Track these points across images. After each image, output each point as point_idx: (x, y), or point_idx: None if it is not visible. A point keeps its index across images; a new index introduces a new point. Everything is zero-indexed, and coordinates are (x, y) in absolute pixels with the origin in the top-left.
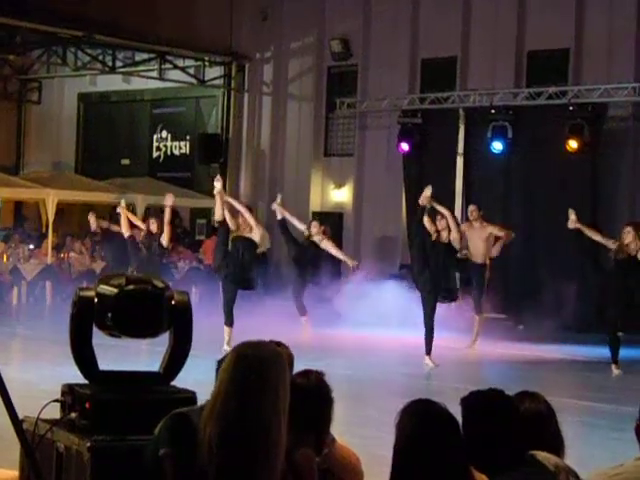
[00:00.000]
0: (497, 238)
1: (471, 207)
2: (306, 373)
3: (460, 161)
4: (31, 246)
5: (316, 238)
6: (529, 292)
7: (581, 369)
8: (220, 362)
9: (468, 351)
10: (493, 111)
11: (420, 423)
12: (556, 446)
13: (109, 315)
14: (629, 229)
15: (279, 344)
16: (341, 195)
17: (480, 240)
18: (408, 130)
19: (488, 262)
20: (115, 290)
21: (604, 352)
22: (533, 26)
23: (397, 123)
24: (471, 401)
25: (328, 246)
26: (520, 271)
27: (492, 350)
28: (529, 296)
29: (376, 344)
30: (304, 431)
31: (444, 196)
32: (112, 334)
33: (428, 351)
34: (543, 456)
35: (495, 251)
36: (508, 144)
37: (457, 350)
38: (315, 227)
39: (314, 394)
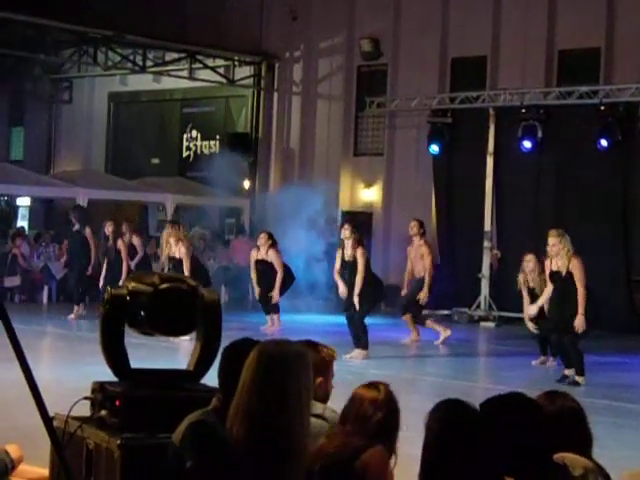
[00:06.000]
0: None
1: (412, 222)
2: (375, 385)
3: (490, 161)
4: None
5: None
6: None
7: (613, 370)
8: (227, 350)
9: (497, 350)
10: (523, 110)
11: (448, 423)
12: (585, 445)
13: (142, 313)
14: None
15: (317, 345)
16: (371, 194)
17: (416, 258)
18: (438, 129)
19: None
20: (149, 288)
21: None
22: (563, 25)
23: (427, 122)
24: (490, 409)
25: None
26: None
27: (519, 352)
28: None
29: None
30: (373, 439)
31: (474, 196)
32: (144, 332)
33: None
34: (571, 459)
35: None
36: (538, 144)
37: (492, 350)
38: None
39: (384, 405)
